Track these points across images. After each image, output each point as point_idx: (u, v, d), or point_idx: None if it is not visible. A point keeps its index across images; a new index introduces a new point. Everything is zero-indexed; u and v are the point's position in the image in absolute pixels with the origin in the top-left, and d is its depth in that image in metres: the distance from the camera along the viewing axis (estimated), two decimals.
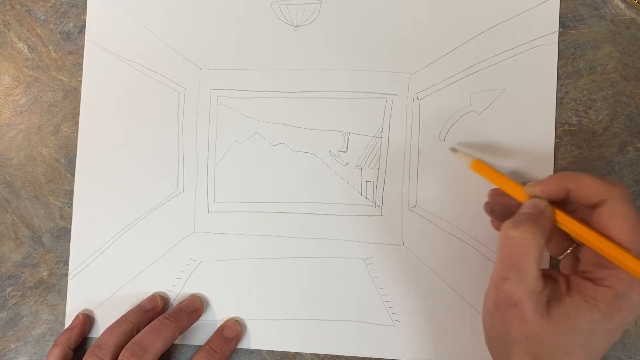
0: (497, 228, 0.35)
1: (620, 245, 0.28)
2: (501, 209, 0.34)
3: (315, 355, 0.38)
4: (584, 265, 0.30)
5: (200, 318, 0.39)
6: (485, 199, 0.37)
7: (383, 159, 0.39)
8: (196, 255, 0.40)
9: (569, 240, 0.33)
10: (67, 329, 0.39)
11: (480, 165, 0.34)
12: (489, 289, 0.30)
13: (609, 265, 0.28)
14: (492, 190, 0.35)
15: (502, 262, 0.29)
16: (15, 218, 0.41)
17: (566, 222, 0.30)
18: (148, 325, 0.36)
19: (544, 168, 0.37)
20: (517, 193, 0.32)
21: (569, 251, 0.33)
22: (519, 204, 0.31)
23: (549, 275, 0.29)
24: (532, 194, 0.31)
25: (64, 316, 0.40)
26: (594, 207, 0.29)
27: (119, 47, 0.41)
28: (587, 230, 0.29)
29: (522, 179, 0.37)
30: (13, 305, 0.41)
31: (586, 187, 0.29)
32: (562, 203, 0.31)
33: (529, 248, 0.28)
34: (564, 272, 0.31)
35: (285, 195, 0.39)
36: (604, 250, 0.28)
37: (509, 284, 0.28)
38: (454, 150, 0.37)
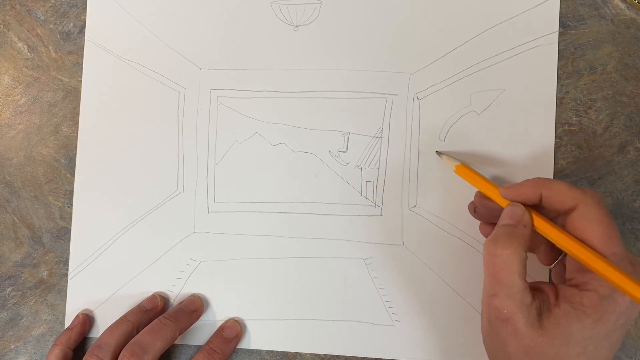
0: (483, 232, 0.36)
1: (593, 249, 0.28)
2: (485, 211, 0.35)
3: (315, 355, 0.38)
4: (569, 273, 0.30)
5: (200, 318, 0.39)
6: None
7: (383, 159, 0.39)
8: (196, 255, 0.40)
9: (558, 249, 0.33)
10: (67, 328, 0.39)
11: (463, 169, 0.35)
12: (482, 308, 0.30)
13: (590, 269, 0.28)
14: (478, 192, 0.35)
15: (489, 280, 0.29)
16: (15, 218, 0.41)
17: (543, 227, 0.30)
18: (148, 325, 0.36)
19: (544, 168, 0.37)
20: (497, 197, 0.32)
21: (558, 260, 0.33)
22: (501, 208, 0.32)
23: (537, 288, 0.29)
24: (506, 196, 0.31)
25: (64, 316, 0.40)
26: (567, 213, 0.30)
27: (119, 47, 0.41)
28: (562, 235, 0.29)
29: (521, 179, 0.37)
30: (13, 305, 0.41)
31: (559, 193, 0.29)
32: (538, 208, 0.31)
33: (511, 263, 0.28)
34: (556, 282, 0.31)
35: (285, 195, 0.39)
36: (578, 255, 0.28)
37: (498, 300, 0.28)
38: (439, 153, 0.37)
